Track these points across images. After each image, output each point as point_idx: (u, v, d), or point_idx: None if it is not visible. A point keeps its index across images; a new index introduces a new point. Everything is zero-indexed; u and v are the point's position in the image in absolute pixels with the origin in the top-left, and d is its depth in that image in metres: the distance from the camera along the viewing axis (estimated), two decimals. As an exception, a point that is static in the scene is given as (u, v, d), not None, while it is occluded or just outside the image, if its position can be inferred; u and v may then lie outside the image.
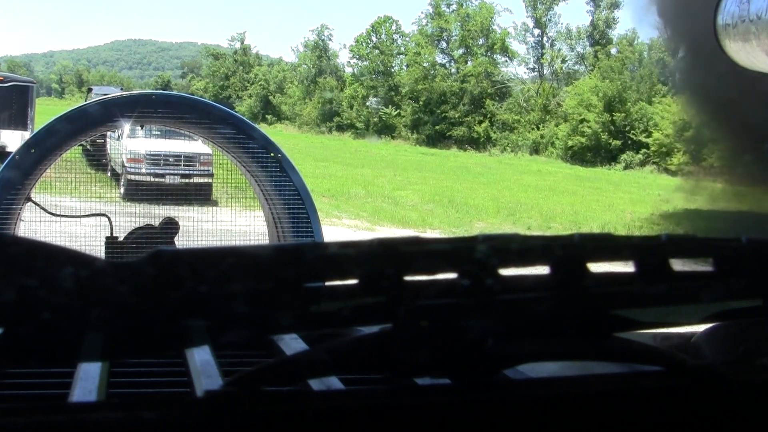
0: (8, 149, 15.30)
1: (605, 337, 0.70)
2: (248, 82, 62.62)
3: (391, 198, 16.49)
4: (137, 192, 5.14)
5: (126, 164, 7.32)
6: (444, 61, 48.93)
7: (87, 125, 3.12)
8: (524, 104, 43.30)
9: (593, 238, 0.67)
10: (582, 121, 37.37)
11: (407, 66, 49.21)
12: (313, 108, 52.36)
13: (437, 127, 44.18)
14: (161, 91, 4.62)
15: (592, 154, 36.88)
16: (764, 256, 0.72)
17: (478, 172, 25.97)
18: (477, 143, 42.25)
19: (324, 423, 0.62)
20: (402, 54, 50.92)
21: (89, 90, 25.78)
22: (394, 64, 50.68)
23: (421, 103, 45.75)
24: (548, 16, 46.79)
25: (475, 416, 0.64)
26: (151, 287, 0.56)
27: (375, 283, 0.60)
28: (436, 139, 43.84)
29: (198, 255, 0.60)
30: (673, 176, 32.05)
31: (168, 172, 8.69)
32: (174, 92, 13.85)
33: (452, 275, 0.62)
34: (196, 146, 8.37)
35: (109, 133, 4.36)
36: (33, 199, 3.16)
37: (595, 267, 0.66)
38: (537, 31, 47.10)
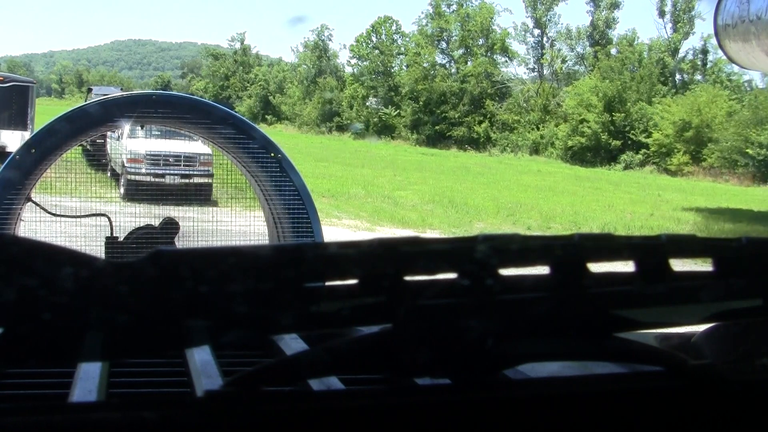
0: (8, 149, 15.31)
1: (605, 337, 0.70)
2: (248, 83, 62.64)
3: (391, 198, 16.48)
4: (137, 192, 5.15)
5: (126, 164, 7.32)
6: (444, 62, 49.00)
7: (87, 125, 3.12)
8: (524, 104, 43.30)
9: (593, 238, 0.67)
10: (582, 121, 37.38)
11: (407, 66, 49.23)
12: (313, 108, 52.36)
13: (437, 128, 44.18)
14: (161, 92, 4.62)
15: (592, 154, 36.89)
16: (764, 256, 0.72)
17: (478, 172, 25.97)
18: (477, 143, 42.26)
19: (324, 423, 0.62)
20: (402, 54, 50.94)
21: (89, 90, 25.77)
22: (394, 64, 50.71)
23: (421, 103, 45.76)
24: (548, 17, 46.83)
25: (475, 416, 0.64)
26: (151, 287, 0.56)
27: (375, 283, 0.60)
28: (436, 140, 43.85)
29: (198, 255, 0.60)
30: (673, 176, 32.08)
31: (168, 172, 8.70)
32: (174, 92, 13.86)
33: (452, 275, 0.62)
34: (196, 146, 8.37)
35: (109, 133, 4.36)
36: (33, 199, 3.16)
37: (595, 267, 0.66)
38: (537, 32, 47.19)
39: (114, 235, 3.30)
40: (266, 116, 56.43)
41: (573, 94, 39.68)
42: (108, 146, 5.60)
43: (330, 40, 61.09)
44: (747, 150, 30.04)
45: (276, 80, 59.91)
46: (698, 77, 41.39)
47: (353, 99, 49.99)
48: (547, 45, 46.76)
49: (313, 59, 57.09)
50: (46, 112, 11.18)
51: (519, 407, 0.67)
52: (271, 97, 58.77)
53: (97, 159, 4.33)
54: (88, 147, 4.06)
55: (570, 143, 37.62)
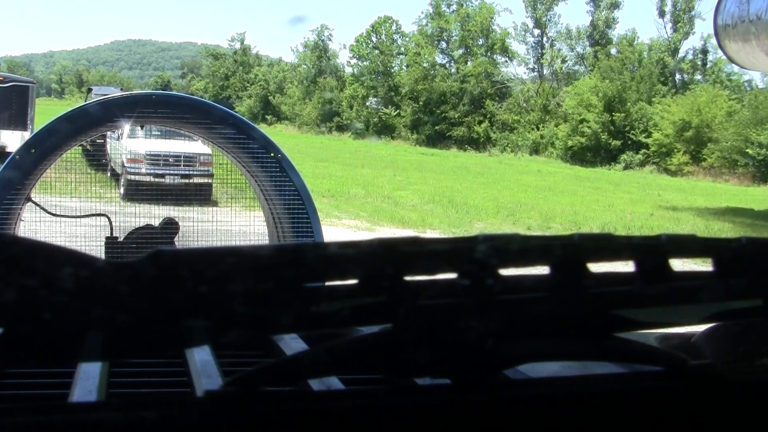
0: (8, 149, 15.32)
1: (605, 337, 0.70)
2: (248, 83, 62.64)
3: (391, 198, 16.48)
4: (137, 192, 5.15)
5: (126, 164, 7.32)
6: (444, 61, 49.02)
7: (87, 125, 3.11)
8: (524, 104, 43.30)
9: (593, 238, 0.67)
10: (582, 121, 37.37)
11: (407, 66, 49.23)
12: (313, 108, 52.37)
13: (437, 128, 44.19)
14: (161, 92, 4.62)
15: (592, 154, 36.89)
16: (764, 256, 0.72)
17: (478, 172, 25.96)
18: (477, 143, 42.26)
19: (324, 423, 0.62)
20: (402, 54, 50.95)
21: (89, 90, 25.76)
22: (394, 64, 50.72)
23: (421, 103, 45.76)
24: (548, 16, 46.84)
25: (475, 416, 0.64)
26: (151, 287, 0.56)
27: (375, 283, 0.60)
28: (436, 140, 43.85)
29: (198, 255, 0.60)
30: (673, 176, 32.08)
31: (168, 172, 8.70)
32: (174, 92, 13.85)
33: (452, 275, 0.62)
34: (196, 146, 8.36)
35: (109, 133, 4.36)
36: (33, 199, 3.16)
37: (595, 267, 0.66)
38: (537, 32, 47.20)
39: (114, 235, 3.30)
40: (266, 116, 56.43)
41: (573, 94, 39.68)
42: (108, 146, 5.59)
43: (330, 40, 61.18)
44: (747, 150, 30.04)
45: (276, 80, 59.91)
46: (698, 77, 41.40)
47: (353, 99, 49.98)
48: (547, 45, 46.77)
49: (313, 59, 57.09)
50: (46, 112, 11.18)
51: (519, 407, 0.67)
52: (271, 97, 58.76)
53: (97, 159, 4.33)
54: (88, 147, 4.06)
55: (570, 143, 37.62)
